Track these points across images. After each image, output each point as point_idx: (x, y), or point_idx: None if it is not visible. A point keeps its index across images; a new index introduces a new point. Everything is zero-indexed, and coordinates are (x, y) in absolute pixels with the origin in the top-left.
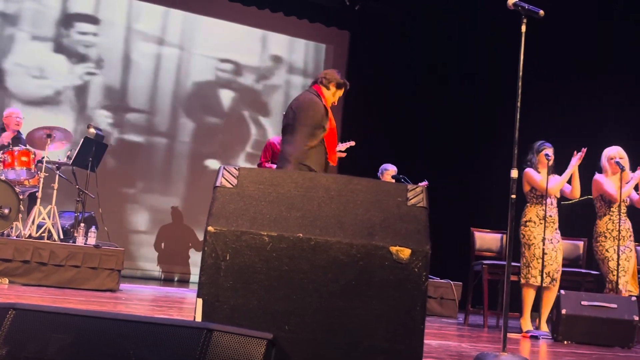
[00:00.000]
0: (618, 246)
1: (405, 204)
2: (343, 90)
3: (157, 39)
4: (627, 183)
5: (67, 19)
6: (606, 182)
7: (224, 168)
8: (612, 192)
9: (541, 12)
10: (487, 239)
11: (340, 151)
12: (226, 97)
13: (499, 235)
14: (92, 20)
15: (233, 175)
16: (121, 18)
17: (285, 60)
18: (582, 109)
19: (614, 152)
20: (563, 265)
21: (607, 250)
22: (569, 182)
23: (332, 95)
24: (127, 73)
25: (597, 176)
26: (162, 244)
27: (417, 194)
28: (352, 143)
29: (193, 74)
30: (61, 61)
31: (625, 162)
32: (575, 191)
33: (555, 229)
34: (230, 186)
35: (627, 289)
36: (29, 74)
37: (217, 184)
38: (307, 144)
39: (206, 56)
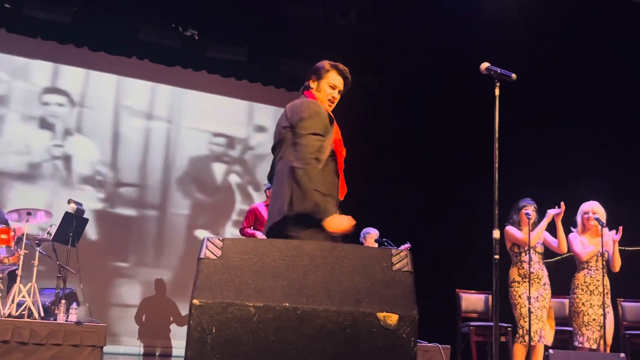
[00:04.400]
0: (603, 301)
1: (390, 269)
2: (330, 75)
3: (145, 113)
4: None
5: (56, 97)
6: (575, 240)
7: (208, 239)
8: (579, 251)
9: (513, 75)
10: (472, 300)
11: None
12: (214, 168)
13: (484, 296)
14: (81, 97)
15: (217, 247)
16: (109, 94)
17: (268, 128)
18: (559, 161)
19: (588, 208)
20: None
21: (582, 304)
22: (555, 236)
23: (318, 90)
24: (117, 147)
25: (571, 235)
26: (144, 317)
27: (401, 259)
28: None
29: (181, 146)
30: (49, 138)
31: (602, 216)
32: (562, 245)
33: (542, 285)
34: (215, 257)
35: (600, 343)
36: (17, 152)
37: (201, 255)
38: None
39: (194, 129)
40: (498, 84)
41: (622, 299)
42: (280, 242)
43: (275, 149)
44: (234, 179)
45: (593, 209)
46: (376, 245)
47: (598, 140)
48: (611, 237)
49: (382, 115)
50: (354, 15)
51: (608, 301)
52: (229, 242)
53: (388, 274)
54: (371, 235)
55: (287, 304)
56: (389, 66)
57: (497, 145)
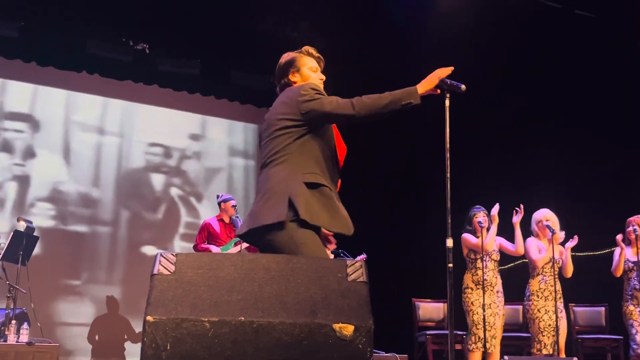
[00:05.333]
0: (556, 306)
1: (345, 279)
2: (305, 62)
3: (96, 128)
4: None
5: (4, 113)
6: (531, 247)
7: (161, 255)
8: (535, 257)
9: (463, 86)
10: (428, 309)
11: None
12: (167, 182)
13: (440, 305)
14: (30, 113)
15: (170, 262)
16: (59, 110)
17: (222, 141)
18: (513, 167)
19: (541, 216)
20: (505, 330)
21: (538, 311)
22: (512, 240)
23: (304, 80)
24: (68, 163)
25: (529, 239)
26: (97, 336)
27: (356, 269)
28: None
29: (134, 161)
30: None
31: (555, 223)
32: (519, 247)
33: (495, 293)
34: (168, 273)
35: (555, 348)
36: None
37: (155, 271)
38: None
39: (146, 143)
40: (448, 95)
41: (573, 304)
42: (234, 256)
43: (269, 141)
44: (185, 192)
45: (545, 216)
46: (332, 256)
47: (552, 146)
48: (564, 244)
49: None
50: (306, 27)
51: (561, 306)
52: (182, 257)
53: (343, 285)
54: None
55: (243, 318)
56: (339, 77)
57: (448, 155)
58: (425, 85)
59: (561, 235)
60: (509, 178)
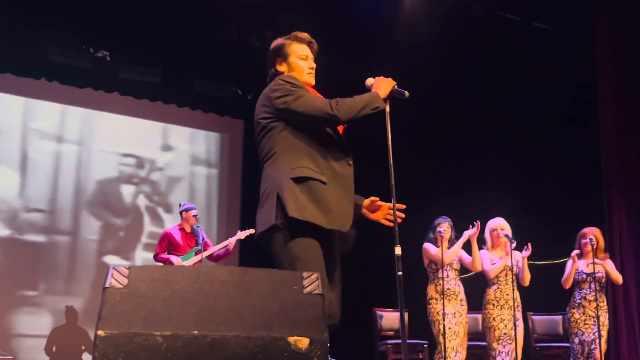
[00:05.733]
0: (514, 314)
1: (301, 292)
2: (295, 49)
3: (55, 136)
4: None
5: None
6: (485, 258)
7: (113, 268)
8: (487, 269)
9: (406, 93)
10: (390, 318)
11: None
12: (127, 191)
13: None
14: None
15: (123, 275)
16: (17, 117)
17: (183, 150)
18: (468, 176)
19: (496, 225)
20: (468, 340)
21: (494, 319)
22: (470, 254)
23: (292, 70)
24: (25, 172)
25: (480, 252)
26: (54, 347)
27: (312, 282)
28: (252, 231)
29: (93, 169)
30: None
31: (509, 232)
32: (475, 263)
33: (459, 301)
34: (121, 286)
35: (512, 356)
36: None
37: (106, 284)
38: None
39: (106, 151)
40: (388, 102)
41: (531, 313)
42: (189, 269)
43: (261, 139)
44: (146, 201)
45: (500, 225)
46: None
47: (506, 155)
48: (521, 254)
49: None
50: (269, 37)
51: (519, 314)
52: (136, 269)
53: (299, 297)
54: None
55: (196, 332)
56: None
57: (392, 162)
58: (384, 90)
59: (513, 245)
60: (468, 187)
